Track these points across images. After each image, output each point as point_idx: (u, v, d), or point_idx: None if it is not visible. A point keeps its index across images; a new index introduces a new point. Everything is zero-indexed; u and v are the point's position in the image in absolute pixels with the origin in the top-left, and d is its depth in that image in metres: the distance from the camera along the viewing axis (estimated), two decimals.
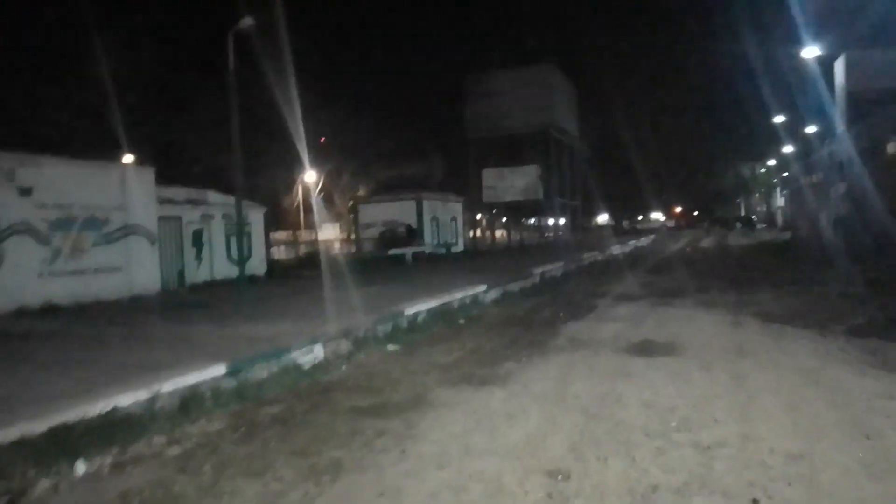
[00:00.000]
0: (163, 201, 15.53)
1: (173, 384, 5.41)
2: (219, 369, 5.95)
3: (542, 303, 12.16)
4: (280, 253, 29.68)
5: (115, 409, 4.80)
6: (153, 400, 5.14)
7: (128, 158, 22.86)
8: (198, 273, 16.67)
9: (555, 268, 18.50)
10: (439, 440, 4.52)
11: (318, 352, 7.38)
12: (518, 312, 11.01)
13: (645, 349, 7.38)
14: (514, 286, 14.25)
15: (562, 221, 50.51)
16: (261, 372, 6.43)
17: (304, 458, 4.28)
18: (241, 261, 13.72)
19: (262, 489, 3.83)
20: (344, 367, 7.09)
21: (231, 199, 15.42)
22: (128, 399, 4.95)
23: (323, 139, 34.94)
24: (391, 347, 8.12)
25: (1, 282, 11.58)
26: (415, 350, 7.93)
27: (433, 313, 10.23)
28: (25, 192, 12.09)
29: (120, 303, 12.98)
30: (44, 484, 4.01)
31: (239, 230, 14.04)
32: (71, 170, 13.23)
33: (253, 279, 16.49)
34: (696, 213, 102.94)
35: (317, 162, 35.37)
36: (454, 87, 45.40)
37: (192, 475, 4.09)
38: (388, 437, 4.63)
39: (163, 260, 15.50)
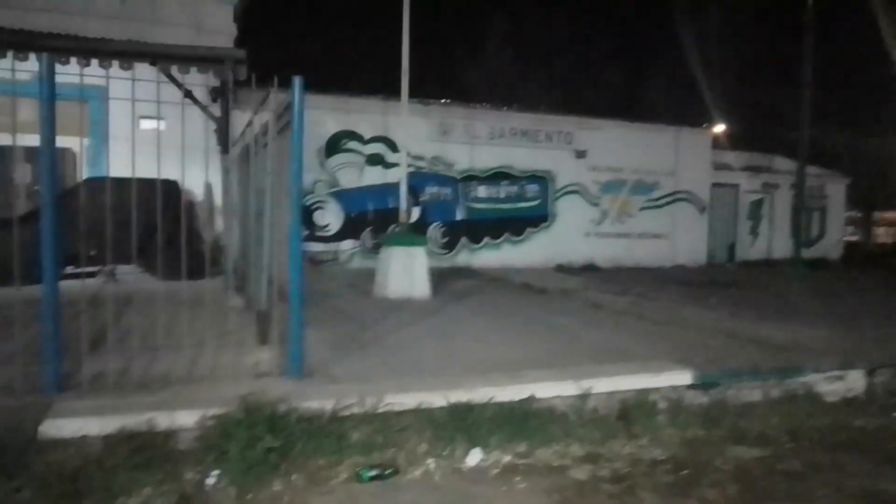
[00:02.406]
0: (718, 167, 14.19)
1: (615, 383, 4.27)
2: (683, 377, 4.48)
3: None
4: (884, 236, 24.54)
5: (531, 398, 3.99)
6: (584, 398, 4.12)
7: (718, 128, 22.26)
8: (751, 249, 14.72)
9: None
10: None
11: (854, 381, 5.00)
12: None
13: None
14: None
15: None
16: (749, 392, 4.64)
17: None
18: (799, 240, 11.31)
19: None
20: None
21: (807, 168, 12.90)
22: (550, 390, 4.07)
23: None
24: None
25: (550, 238, 12.54)
26: None
27: None
28: (581, 154, 12.68)
29: (656, 271, 12.45)
30: (428, 465, 3.52)
31: (798, 203, 11.60)
32: (624, 133, 13.22)
33: (818, 263, 13.52)
34: None
35: None
36: None
37: None
38: None
39: (712, 231, 14.22)
